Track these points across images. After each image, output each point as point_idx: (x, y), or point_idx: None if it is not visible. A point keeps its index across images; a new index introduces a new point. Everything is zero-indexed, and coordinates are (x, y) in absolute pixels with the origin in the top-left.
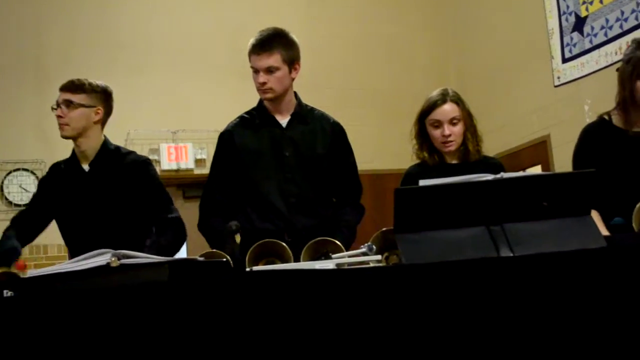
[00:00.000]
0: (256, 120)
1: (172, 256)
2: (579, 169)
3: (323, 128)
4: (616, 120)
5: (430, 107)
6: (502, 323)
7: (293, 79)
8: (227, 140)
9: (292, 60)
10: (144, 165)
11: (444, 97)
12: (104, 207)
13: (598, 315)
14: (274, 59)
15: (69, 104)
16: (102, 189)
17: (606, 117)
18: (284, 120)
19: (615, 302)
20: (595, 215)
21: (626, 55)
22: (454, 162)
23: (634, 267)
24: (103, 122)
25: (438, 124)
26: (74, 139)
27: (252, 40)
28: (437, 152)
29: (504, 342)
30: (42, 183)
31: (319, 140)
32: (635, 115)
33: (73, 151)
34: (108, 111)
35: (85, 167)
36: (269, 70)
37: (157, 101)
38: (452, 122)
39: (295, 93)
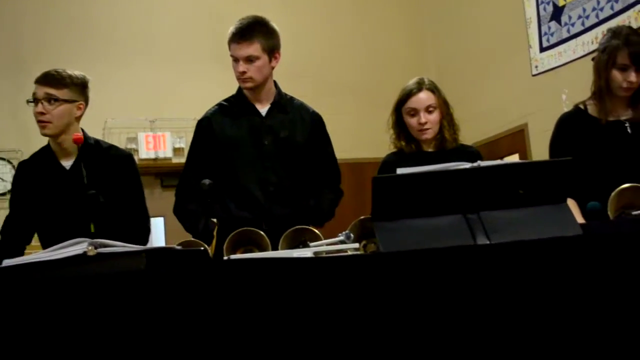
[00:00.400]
0: (235, 109)
1: None
2: (556, 158)
3: (302, 118)
4: (592, 109)
5: (406, 95)
6: (479, 309)
7: (273, 68)
8: (206, 127)
9: (272, 49)
10: (129, 160)
11: (419, 86)
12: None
13: (573, 301)
14: (253, 48)
15: (51, 99)
16: (84, 187)
17: (582, 106)
18: (263, 109)
19: (590, 289)
20: (571, 203)
21: (601, 45)
22: (431, 150)
23: (608, 254)
24: (82, 115)
25: (414, 112)
26: (55, 136)
27: (231, 29)
28: (414, 140)
29: (481, 328)
30: (17, 184)
31: (298, 130)
32: (610, 104)
33: (48, 146)
34: (87, 103)
35: (65, 163)
36: (249, 60)
37: (135, 90)
38: (428, 110)
39: (275, 82)
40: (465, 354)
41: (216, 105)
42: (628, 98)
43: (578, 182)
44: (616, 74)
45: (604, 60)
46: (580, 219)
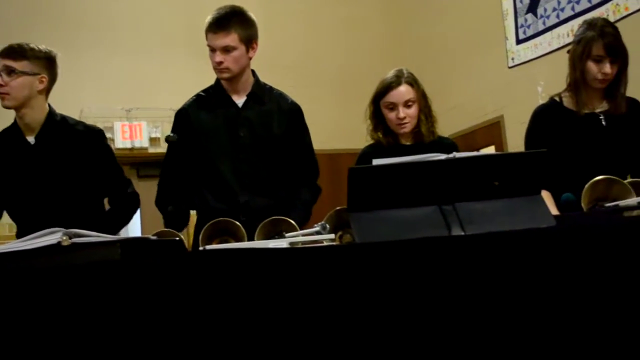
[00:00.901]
0: (212, 100)
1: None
2: (531, 150)
3: (280, 108)
4: (567, 101)
5: (384, 89)
6: (453, 300)
7: (250, 58)
8: (184, 118)
9: (250, 40)
10: (99, 135)
11: (398, 79)
12: (54, 181)
13: (545, 291)
14: (231, 39)
15: (10, 71)
16: (51, 162)
17: (557, 98)
18: (240, 100)
19: (563, 279)
20: (546, 195)
21: (577, 37)
22: (408, 143)
23: (581, 245)
24: (47, 90)
25: (393, 107)
26: (17, 109)
27: (208, 18)
28: (392, 133)
29: (455, 318)
30: None
31: (275, 121)
32: (585, 96)
33: (15, 122)
34: (53, 78)
35: (30, 139)
36: (226, 50)
37: (111, 78)
38: (407, 104)
39: (253, 72)
40: (439, 343)
41: (194, 96)
42: (603, 90)
43: (553, 174)
44: (591, 66)
45: (579, 52)
46: (554, 211)
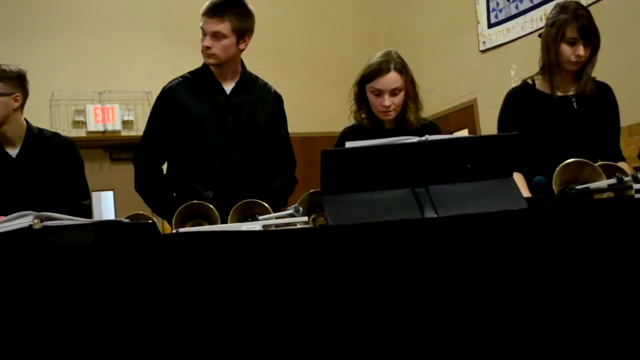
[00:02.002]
0: (200, 83)
1: None
2: (503, 133)
3: (265, 99)
4: (539, 84)
5: (372, 74)
6: (427, 282)
7: (241, 50)
8: (170, 98)
9: (243, 32)
10: (71, 148)
11: (387, 65)
12: (35, 192)
13: (517, 272)
14: (222, 26)
15: None
16: (31, 174)
17: (530, 81)
18: (228, 87)
19: (535, 260)
20: (519, 177)
21: (550, 19)
22: (392, 127)
23: (552, 227)
24: (22, 106)
25: (379, 93)
26: None
27: (207, 3)
28: (375, 116)
29: (427, 300)
30: None
31: (260, 111)
32: (559, 78)
33: None
34: (25, 95)
35: (11, 152)
36: (216, 36)
37: (82, 61)
38: (394, 92)
39: (241, 61)
40: (411, 324)
41: (181, 77)
42: (574, 73)
43: (526, 156)
44: (565, 48)
45: (553, 35)
46: (526, 193)
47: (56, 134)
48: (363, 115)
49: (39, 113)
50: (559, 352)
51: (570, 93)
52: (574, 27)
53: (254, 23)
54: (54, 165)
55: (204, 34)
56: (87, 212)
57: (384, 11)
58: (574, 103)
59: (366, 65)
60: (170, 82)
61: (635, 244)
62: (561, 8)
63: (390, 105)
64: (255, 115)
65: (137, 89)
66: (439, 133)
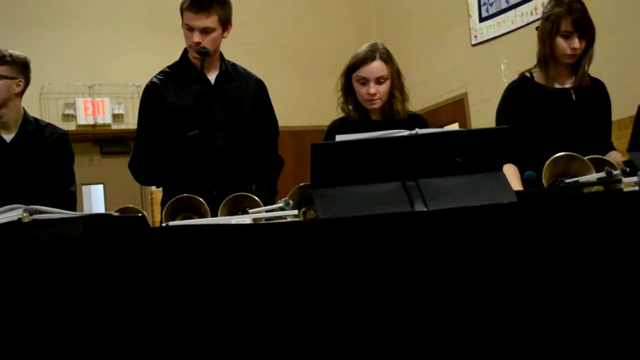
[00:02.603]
0: (183, 75)
1: None
2: (492, 127)
3: (248, 85)
4: (537, 77)
5: (357, 63)
6: (417, 275)
7: (224, 38)
8: (155, 93)
9: (227, 21)
10: (64, 139)
11: (372, 54)
12: (25, 178)
13: (507, 265)
14: (211, 20)
15: None
16: (24, 161)
17: (528, 74)
18: (211, 77)
19: (524, 254)
20: (513, 170)
21: (545, 13)
22: (378, 119)
23: (541, 221)
24: (22, 92)
25: (364, 82)
26: None
27: None
28: (362, 107)
29: (417, 293)
30: None
31: (245, 98)
32: (555, 71)
33: None
34: (27, 82)
35: (6, 136)
36: (205, 31)
37: (72, 54)
38: (379, 80)
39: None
40: (401, 317)
41: (162, 72)
42: (571, 66)
43: (524, 149)
44: (560, 41)
45: (548, 28)
46: (519, 186)
47: (50, 124)
48: (350, 107)
49: (29, 106)
50: (548, 345)
51: (568, 85)
52: (569, 21)
53: (232, 10)
54: (45, 153)
55: (190, 29)
56: (73, 198)
57: (376, 4)
58: (573, 95)
59: (352, 56)
60: (151, 78)
61: (623, 237)
62: (556, 1)
63: (375, 94)
64: (241, 104)
65: (127, 82)
66: (426, 125)
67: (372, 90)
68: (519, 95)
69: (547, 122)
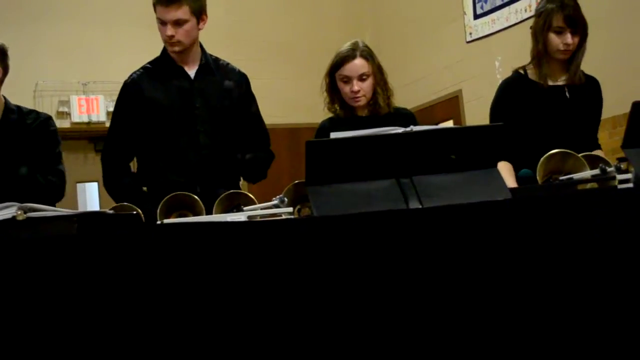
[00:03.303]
0: (162, 71)
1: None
2: (487, 124)
3: (230, 79)
4: (531, 74)
5: (339, 62)
6: (411, 272)
7: (200, 30)
8: (134, 90)
9: (200, 12)
10: (46, 123)
11: (353, 52)
12: (12, 167)
13: (502, 262)
14: (182, 12)
15: None
16: (9, 149)
17: (522, 71)
18: (191, 72)
19: (519, 251)
20: (507, 167)
21: (538, 10)
22: (365, 115)
23: (536, 217)
24: (1, 82)
25: (347, 80)
26: None
27: None
28: (348, 106)
29: (412, 290)
30: None
31: (227, 91)
32: (548, 68)
33: None
34: (5, 71)
35: None
36: (177, 23)
37: (67, 52)
38: (361, 78)
39: (200, 43)
40: (396, 316)
41: (141, 68)
42: (565, 62)
43: (519, 146)
44: (553, 37)
45: (541, 25)
46: (513, 184)
47: (34, 111)
48: (336, 106)
49: (23, 103)
50: (544, 342)
51: (562, 82)
52: (560, 16)
53: (206, 1)
54: (30, 140)
55: (163, 23)
56: (61, 175)
57: (370, 2)
58: (567, 92)
59: (334, 56)
60: (131, 74)
61: (617, 234)
62: None
63: (359, 91)
64: (223, 96)
65: (122, 79)
66: (413, 119)
67: (356, 88)
68: (513, 92)
69: (540, 119)
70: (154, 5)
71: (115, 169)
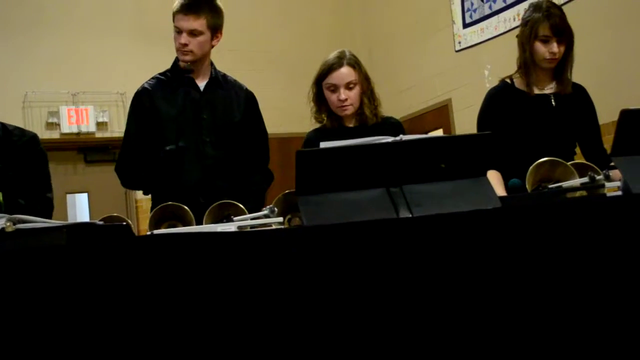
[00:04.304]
0: (173, 82)
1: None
2: (476, 133)
3: (237, 95)
4: (518, 82)
5: (326, 70)
6: (401, 282)
7: (213, 46)
8: (145, 99)
9: (216, 28)
10: (33, 142)
11: (340, 61)
12: None
13: (491, 271)
14: (199, 23)
15: None
16: None
17: (508, 80)
18: (201, 84)
19: (508, 260)
20: (496, 176)
21: (524, 19)
22: (352, 125)
23: (525, 226)
24: None
25: (334, 88)
26: None
27: (180, 0)
28: (336, 115)
29: (401, 300)
30: None
31: (235, 107)
32: (535, 77)
33: None
34: None
35: None
36: (192, 33)
37: (56, 62)
38: (349, 86)
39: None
40: (386, 324)
41: (153, 78)
42: (552, 71)
43: (505, 155)
44: (539, 46)
45: (527, 34)
46: (502, 192)
47: (18, 128)
48: (323, 116)
49: (12, 114)
50: (532, 348)
51: (548, 91)
52: (547, 25)
53: (223, 20)
54: (15, 159)
55: (179, 31)
56: (49, 205)
57: (360, 11)
58: (552, 101)
59: (321, 65)
60: (143, 84)
61: (606, 241)
62: (534, 7)
63: (346, 99)
64: (230, 112)
65: (112, 90)
66: (401, 128)
67: (343, 96)
68: (500, 101)
69: (527, 128)
70: (174, 13)
71: (131, 171)
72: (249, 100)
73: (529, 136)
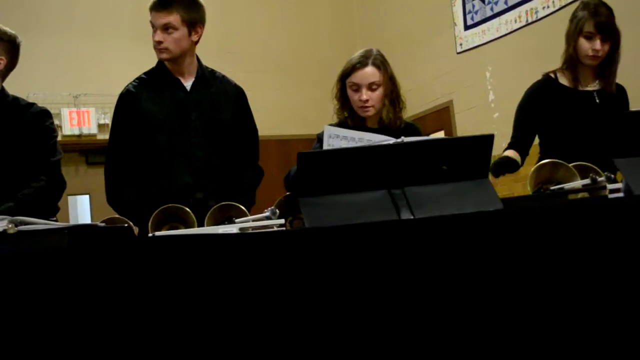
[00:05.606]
0: (158, 82)
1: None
2: (522, 126)
3: (226, 92)
4: (561, 78)
5: (350, 69)
6: (403, 282)
7: (194, 42)
8: (130, 101)
9: (194, 23)
10: (43, 115)
11: (365, 60)
12: (5, 154)
13: (492, 272)
14: (172, 18)
15: None
16: (3, 138)
17: (552, 75)
18: (187, 83)
19: (511, 261)
20: (514, 153)
21: (572, 15)
22: (374, 127)
23: (527, 227)
24: (3, 75)
25: (356, 88)
26: None
27: None
28: (358, 115)
29: (404, 300)
30: None
31: (223, 105)
32: (580, 73)
33: None
34: (11, 64)
35: None
36: (166, 29)
37: (58, 64)
38: (371, 87)
39: (196, 56)
40: (388, 325)
41: (136, 79)
42: (596, 69)
43: (545, 150)
44: (583, 42)
45: (572, 29)
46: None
47: (31, 104)
48: (345, 114)
49: None
50: (532, 349)
51: (591, 88)
52: (591, 23)
53: (205, 13)
54: (25, 130)
55: (154, 28)
56: (55, 168)
57: (360, 12)
58: (596, 97)
59: (346, 62)
60: (126, 85)
61: (608, 243)
62: (583, 5)
63: (367, 100)
64: (219, 109)
65: (113, 92)
66: (420, 135)
67: (364, 97)
68: (541, 95)
69: (570, 123)
70: (149, 10)
71: (118, 182)
72: (238, 97)
73: (571, 131)
